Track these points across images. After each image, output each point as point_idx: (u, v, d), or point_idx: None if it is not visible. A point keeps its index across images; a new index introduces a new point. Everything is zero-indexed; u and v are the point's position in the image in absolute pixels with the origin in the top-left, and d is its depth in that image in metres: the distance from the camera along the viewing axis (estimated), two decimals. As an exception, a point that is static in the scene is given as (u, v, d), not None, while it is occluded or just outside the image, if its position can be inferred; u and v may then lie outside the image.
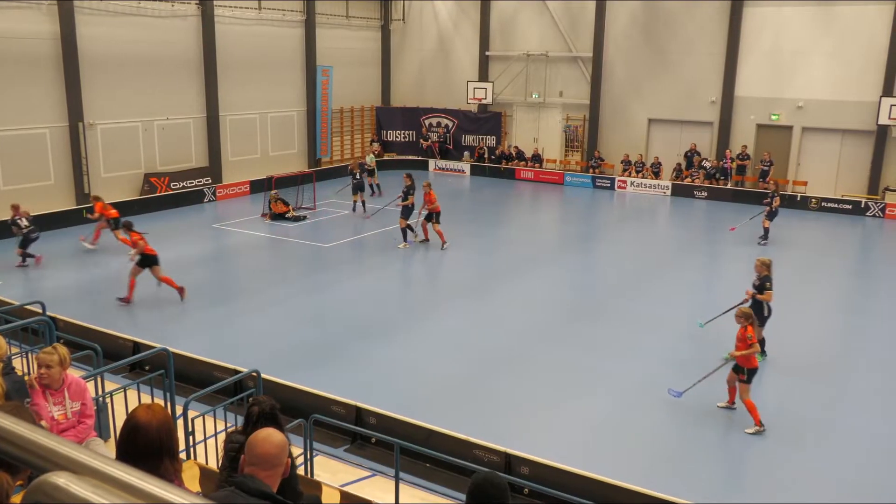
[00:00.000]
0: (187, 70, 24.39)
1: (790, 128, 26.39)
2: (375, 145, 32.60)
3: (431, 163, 32.26)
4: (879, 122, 24.32)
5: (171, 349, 8.37)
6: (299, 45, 28.72)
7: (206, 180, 25.05)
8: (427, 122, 33.12)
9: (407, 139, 33.14)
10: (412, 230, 18.84)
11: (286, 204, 21.85)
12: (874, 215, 24.22)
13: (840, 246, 21.14)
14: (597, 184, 28.55)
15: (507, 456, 8.31)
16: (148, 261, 14.11)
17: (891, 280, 17.38)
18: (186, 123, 24.66)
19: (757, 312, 11.10)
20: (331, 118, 30.30)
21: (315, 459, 7.54)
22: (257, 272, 17.33)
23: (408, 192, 18.67)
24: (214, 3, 24.76)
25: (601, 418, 10.12)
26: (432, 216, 18.54)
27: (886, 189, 24.94)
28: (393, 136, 33.27)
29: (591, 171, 29.26)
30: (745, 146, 26.75)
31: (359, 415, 9.29)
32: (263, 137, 27.78)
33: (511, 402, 10.56)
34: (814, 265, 18.44)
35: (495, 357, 12.11)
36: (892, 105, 23.88)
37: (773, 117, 26.54)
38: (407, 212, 18.53)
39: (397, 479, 7.06)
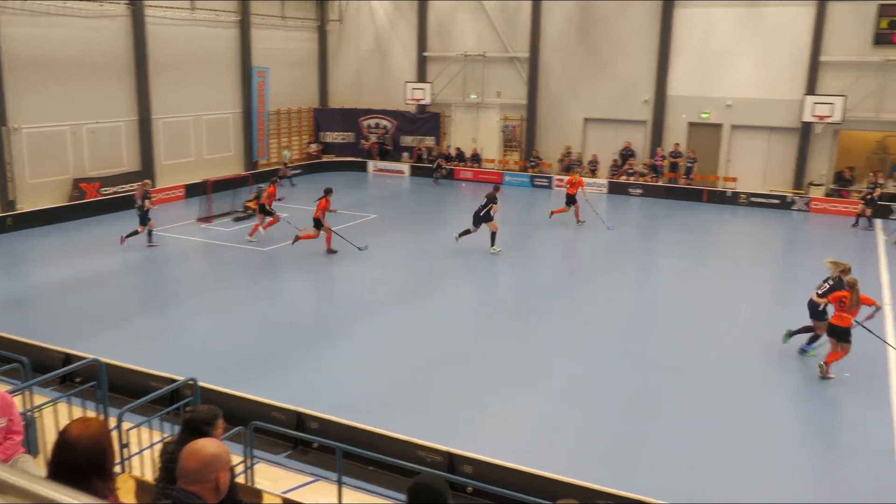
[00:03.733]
0: (117, 72, 23.74)
1: (720, 126, 27.18)
2: (313, 146, 32.35)
3: (371, 164, 32.15)
4: (803, 120, 25.25)
5: (104, 359, 8.15)
6: (234, 45, 28.26)
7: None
8: (366, 124, 32.98)
9: (346, 140, 32.93)
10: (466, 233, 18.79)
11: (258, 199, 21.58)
12: (800, 209, 25.13)
13: (768, 239, 21.83)
14: (535, 183, 28.90)
15: (451, 455, 8.35)
16: None
17: (815, 271, 18.03)
18: (117, 127, 24.00)
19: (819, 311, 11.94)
20: (267, 120, 29.91)
21: (256, 467, 7.45)
22: (194, 278, 17.00)
23: (491, 200, 18.50)
24: (145, 3, 24.16)
25: (543, 415, 10.26)
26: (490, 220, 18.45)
27: (810, 184, 25.92)
28: (332, 137, 33.01)
29: (529, 170, 29.60)
30: (678, 144, 27.44)
31: (300, 420, 9.21)
32: (198, 140, 27.24)
33: (454, 401, 10.61)
34: (744, 258, 19.02)
35: (437, 357, 12.15)
36: (815, 103, 24.82)
37: (704, 116, 27.28)
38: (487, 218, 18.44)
39: (340, 484, 7.03)
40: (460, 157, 31.04)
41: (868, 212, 22.70)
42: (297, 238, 18.61)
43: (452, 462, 8.32)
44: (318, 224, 18.27)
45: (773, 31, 25.76)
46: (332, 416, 9.14)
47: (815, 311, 12.08)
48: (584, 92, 29.03)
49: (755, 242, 21.15)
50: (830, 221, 23.82)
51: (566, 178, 23.48)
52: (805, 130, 25.73)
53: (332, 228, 18.52)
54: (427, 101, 31.31)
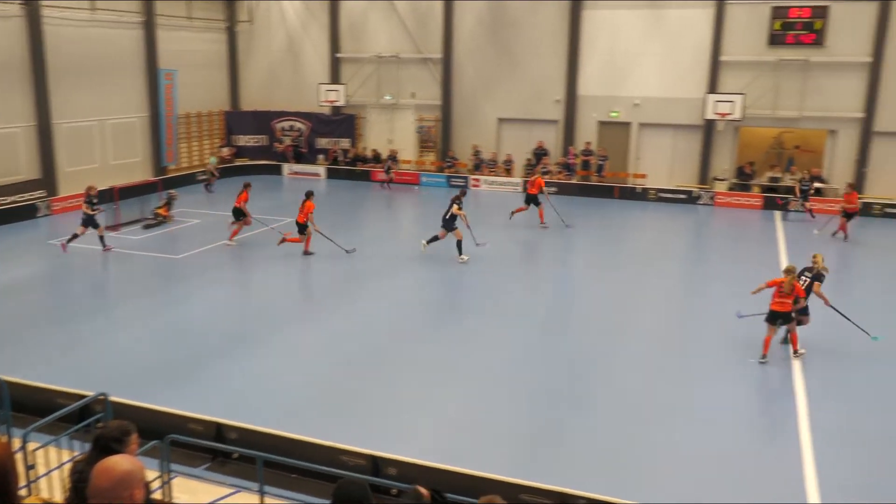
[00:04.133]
0: (11, 75, 22.58)
1: (628, 124, 28.01)
2: (226, 150, 31.63)
3: (286, 167, 31.68)
4: (706, 117, 26.29)
5: (5, 377, 7.76)
6: (139, 47, 27.33)
7: (40, 193, 23.33)
8: (279, 126, 32.47)
9: (259, 143, 32.32)
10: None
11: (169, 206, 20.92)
12: (705, 203, 26.16)
13: (678, 233, 22.62)
14: (451, 183, 29.07)
15: (374, 458, 8.32)
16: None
17: (725, 263, 18.83)
18: (13, 133, 22.85)
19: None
20: (176, 124, 29.06)
21: (173, 482, 7.24)
22: (103, 289, 16.37)
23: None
24: (41, 2, 23.08)
25: (465, 412, 10.34)
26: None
27: (714, 179, 27.02)
28: (245, 140, 32.35)
29: (445, 170, 29.77)
30: (589, 142, 28.12)
31: (219, 431, 9.00)
32: (103, 146, 26.22)
33: (376, 404, 10.58)
34: (657, 252, 19.66)
35: (357, 360, 12.08)
36: (716, 101, 25.88)
37: (613, 115, 28.06)
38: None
39: (262, 493, 6.91)
40: (377, 158, 30.95)
41: (805, 205, 23.79)
42: (282, 240, 18.56)
43: (376, 465, 8.29)
44: (303, 228, 18.25)
45: (675, 33, 26.72)
46: (252, 425, 8.97)
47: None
48: (498, 92, 29.41)
49: (666, 236, 21.87)
50: (734, 214, 24.87)
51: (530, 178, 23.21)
52: (708, 128, 26.80)
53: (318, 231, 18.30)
54: (341, 102, 31.08)
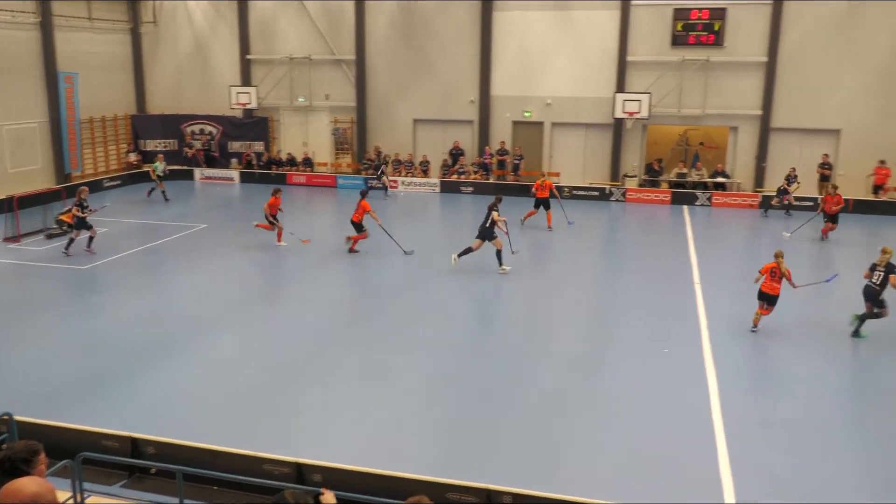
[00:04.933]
0: None
1: (541, 123, 28.53)
2: (132, 156, 30.60)
3: (197, 172, 30.85)
4: (616, 116, 27.03)
5: None
6: (36, 49, 26.11)
7: (-69, 204, 22.02)
8: (189, 130, 31.61)
9: (168, 148, 31.36)
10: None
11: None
12: (617, 200, 26.90)
13: (593, 228, 23.14)
14: (369, 185, 28.92)
15: (298, 466, 8.21)
16: None
17: (640, 258, 19.41)
18: None
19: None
20: (79, 129, 27.90)
21: (87, 501, 6.97)
22: (4, 304, 15.55)
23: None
24: (-75, 2, 21.80)
25: (389, 414, 10.32)
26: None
27: (625, 175, 27.83)
28: (153, 145, 31.33)
29: (362, 172, 29.62)
30: (504, 142, 28.50)
31: (135, 446, 8.70)
32: (0, 153, 24.96)
33: (299, 410, 10.45)
34: (574, 247, 20.09)
35: (279, 366, 11.90)
36: (624, 100, 26.64)
37: (526, 114, 28.53)
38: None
39: (183, 508, 6.73)
40: (292, 161, 30.52)
41: (778, 201, 24.29)
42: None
43: (301, 472, 8.18)
44: (360, 227, 18.64)
45: (584, 34, 27.38)
46: (170, 439, 8.71)
47: (874, 298, 13.19)
48: (413, 93, 29.46)
49: (582, 232, 22.34)
50: (645, 209, 25.65)
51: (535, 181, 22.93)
52: (617, 126, 27.57)
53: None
54: (253, 105, 30.50)
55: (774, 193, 24.61)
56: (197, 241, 20.10)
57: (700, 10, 26.27)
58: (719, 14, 26.14)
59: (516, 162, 28.19)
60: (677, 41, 26.63)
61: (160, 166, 25.94)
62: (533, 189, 22.72)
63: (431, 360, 12.26)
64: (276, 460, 8.28)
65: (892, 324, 13.64)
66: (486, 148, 28.61)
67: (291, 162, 30.52)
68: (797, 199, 24.64)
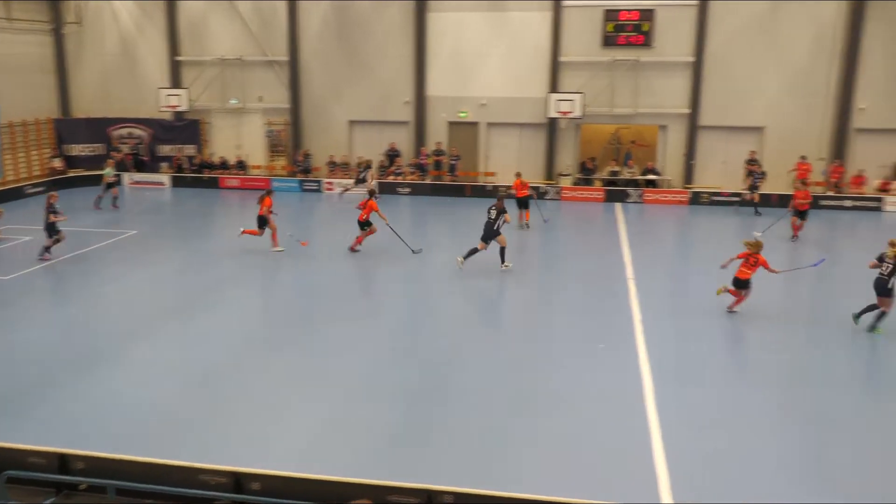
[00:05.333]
0: None
1: (477, 124, 28.72)
2: (57, 161, 29.57)
3: (126, 176, 29.99)
4: (549, 116, 27.40)
5: None
6: (-51, 51, 25.01)
7: None
8: (117, 134, 30.71)
9: (95, 153, 30.38)
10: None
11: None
12: (552, 198, 27.26)
13: (530, 228, 23.40)
14: (304, 187, 28.65)
15: (236, 475, 8.05)
16: None
17: (576, 256, 19.68)
18: None
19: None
20: (-1, 133, 26.84)
21: (13, 521, 6.69)
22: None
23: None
24: None
25: (327, 418, 10.22)
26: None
27: (560, 174, 28.23)
28: (78, 150, 30.33)
29: (297, 175, 29.29)
30: (440, 143, 28.58)
31: (63, 462, 8.39)
32: (-88, 159, 23.80)
33: (234, 417, 10.25)
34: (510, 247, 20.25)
35: (211, 373, 11.65)
36: (558, 100, 27.03)
37: (462, 115, 28.67)
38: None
39: (115, 524, 6.52)
40: (224, 165, 29.97)
41: (751, 196, 24.84)
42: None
43: (238, 481, 8.02)
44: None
45: (517, 35, 27.67)
46: (101, 453, 8.43)
47: (884, 289, 13.29)
48: (348, 94, 29.27)
49: (518, 231, 22.55)
50: (579, 207, 26.06)
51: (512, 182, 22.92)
52: (552, 126, 27.95)
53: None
54: (184, 107, 29.82)
55: (746, 190, 25.27)
56: (126, 247, 19.55)
57: (629, 11, 26.84)
58: (648, 15, 26.76)
59: (453, 162, 28.30)
60: (608, 42, 27.14)
61: (111, 171, 25.11)
62: (512, 189, 22.83)
63: (368, 361, 12.18)
64: (212, 470, 8.09)
65: (823, 312, 14.18)
66: (422, 149, 28.64)
67: (224, 165, 29.97)
68: (722, 194, 25.40)
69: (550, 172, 28.37)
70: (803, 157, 26.05)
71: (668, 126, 27.60)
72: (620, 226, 23.03)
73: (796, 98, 26.44)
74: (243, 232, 19.00)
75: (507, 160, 28.69)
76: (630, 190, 26.89)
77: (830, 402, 10.87)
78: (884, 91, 25.98)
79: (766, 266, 14.05)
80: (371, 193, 19.25)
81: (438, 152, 28.45)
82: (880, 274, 13.41)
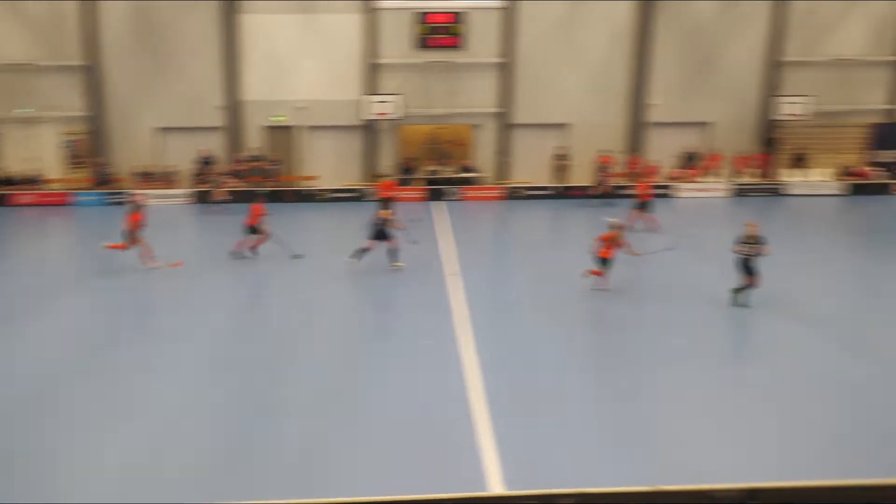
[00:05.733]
0: None
1: (295, 127, 28.27)
2: None
3: None
4: (367, 118, 27.51)
5: None
6: None
7: None
8: None
9: None
10: None
11: None
12: (373, 200, 27.31)
13: (351, 230, 23.33)
14: (108, 201, 26.84)
15: (39, 513, 7.42)
16: None
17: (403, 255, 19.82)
18: None
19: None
20: None
21: None
22: None
23: None
24: None
25: (148, 443, 9.64)
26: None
27: (380, 176, 28.40)
28: None
29: (101, 187, 27.39)
30: (257, 147, 27.85)
31: None
32: None
33: (46, 449, 9.41)
34: (334, 250, 20.10)
35: (12, 404, 10.63)
36: (374, 102, 27.20)
37: (279, 119, 28.11)
38: None
39: None
40: (11, 181, 27.45)
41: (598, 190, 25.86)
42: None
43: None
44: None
45: (331, 37, 27.54)
46: None
47: (746, 267, 14.36)
48: (156, 100, 27.80)
49: (340, 234, 22.42)
50: (401, 207, 26.22)
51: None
52: (370, 127, 28.07)
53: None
54: (-35, 118, 27.01)
55: (595, 184, 26.66)
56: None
57: (441, 14, 27.51)
58: (459, 18, 27.54)
59: (271, 168, 27.65)
60: (421, 44, 27.68)
61: None
62: (378, 190, 22.69)
63: (185, 378, 11.62)
64: (10, 511, 7.42)
65: (636, 292, 15.21)
66: (239, 154, 27.76)
67: (10, 181, 27.40)
68: (537, 188, 26.66)
69: (370, 174, 28.48)
70: (606, 151, 27.91)
71: (482, 125, 28.59)
72: (442, 223, 23.54)
73: (597, 95, 28.31)
74: (108, 246, 17.86)
75: (327, 163, 28.51)
76: (449, 188, 27.57)
77: (639, 379, 11.70)
78: (673, 88, 28.42)
79: (626, 247, 15.58)
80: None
81: (256, 157, 27.70)
82: (742, 254, 14.56)
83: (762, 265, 14.62)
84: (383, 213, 17.74)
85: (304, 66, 27.72)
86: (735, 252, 14.67)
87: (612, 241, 15.54)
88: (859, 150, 29.40)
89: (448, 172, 28.38)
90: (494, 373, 11.77)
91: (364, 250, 17.59)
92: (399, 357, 12.46)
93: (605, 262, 15.56)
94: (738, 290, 14.65)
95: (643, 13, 27.68)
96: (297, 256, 18.73)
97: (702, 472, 8.16)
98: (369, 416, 10.32)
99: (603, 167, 26.91)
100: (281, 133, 28.31)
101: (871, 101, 29.23)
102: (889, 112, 29.31)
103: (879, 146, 29.13)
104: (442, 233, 22.09)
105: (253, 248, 18.78)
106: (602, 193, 26.41)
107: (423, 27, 27.59)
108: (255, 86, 27.85)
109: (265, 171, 27.52)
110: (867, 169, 28.85)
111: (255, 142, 28.07)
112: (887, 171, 28.82)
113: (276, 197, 26.93)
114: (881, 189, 28.26)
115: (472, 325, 13.83)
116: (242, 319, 14.95)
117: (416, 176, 28.40)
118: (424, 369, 11.93)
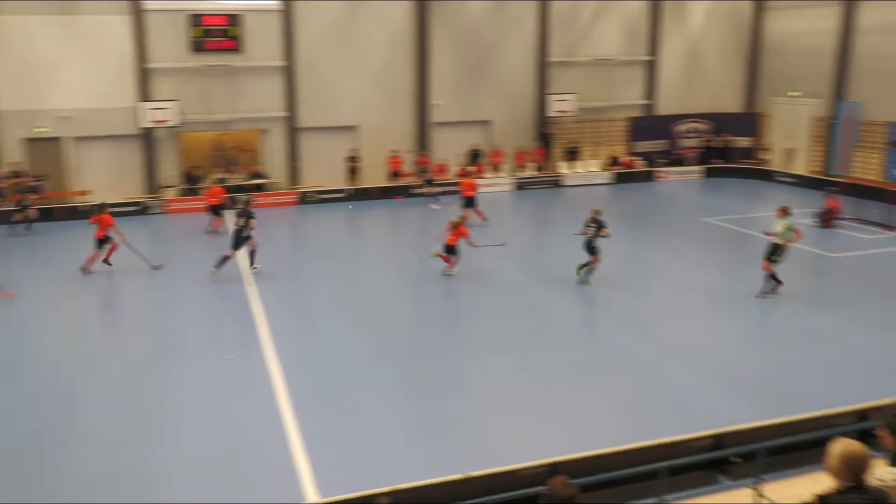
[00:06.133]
0: None
1: (61, 139, 25.94)
2: None
3: None
4: (143, 126, 25.91)
5: None
6: None
7: None
8: None
9: None
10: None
11: None
12: (157, 212, 25.85)
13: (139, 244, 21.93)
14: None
15: None
16: None
17: (194, 268, 18.89)
18: None
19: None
20: None
21: None
22: None
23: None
24: None
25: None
26: None
27: (163, 186, 26.90)
28: None
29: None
30: (17, 163, 25.22)
31: None
32: None
33: None
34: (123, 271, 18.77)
35: None
36: (150, 109, 25.66)
37: (41, 130, 25.65)
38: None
39: None
40: None
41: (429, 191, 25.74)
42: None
43: None
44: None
45: (96, 41, 25.55)
46: None
47: (591, 247, 16.30)
48: None
49: (123, 251, 20.99)
50: (189, 218, 24.98)
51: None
52: (148, 136, 26.44)
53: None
54: None
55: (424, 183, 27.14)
56: None
57: (215, 15, 26.49)
58: (235, 20, 26.68)
59: (36, 184, 25.06)
60: (197, 47, 26.48)
61: None
62: (206, 196, 21.15)
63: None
64: None
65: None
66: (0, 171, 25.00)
67: None
68: (330, 191, 26.58)
69: (153, 185, 26.86)
70: (394, 152, 28.42)
71: (269, 129, 27.96)
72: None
73: (382, 97, 28.70)
74: None
75: (103, 176, 26.42)
76: (240, 196, 26.65)
77: (445, 370, 12.08)
78: (453, 88, 29.50)
79: (466, 237, 17.04)
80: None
81: (17, 174, 25.04)
82: (587, 235, 16.42)
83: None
84: (252, 222, 17.66)
85: (68, 72, 25.47)
86: (581, 234, 16.56)
87: (456, 231, 16.89)
88: (623, 141, 32.31)
89: (237, 180, 27.44)
90: (300, 380, 11.67)
91: (226, 259, 17.46)
92: (202, 374, 11.95)
93: (449, 248, 17.00)
94: (581, 266, 16.64)
95: (418, 14, 28.43)
96: (156, 267, 18.33)
97: (508, 454, 8.59)
98: (174, 441, 9.81)
99: (421, 170, 27.72)
100: (46, 146, 25.84)
101: (629, 97, 32.19)
102: (645, 106, 32.44)
103: (639, 137, 32.20)
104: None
105: (106, 260, 18.02)
106: (430, 193, 27.07)
107: (197, 29, 26.42)
108: (12, 95, 25.17)
109: (29, 188, 24.91)
110: (631, 159, 31.77)
111: (14, 156, 25.38)
112: (646, 160, 31.92)
113: (46, 215, 24.48)
114: (646, 177, 31.27)
115: (274, 334, 13.59)
116: (29, 343, 13.55)
117: (203, 185, 27.17)
118: (229, 384, 11.56)
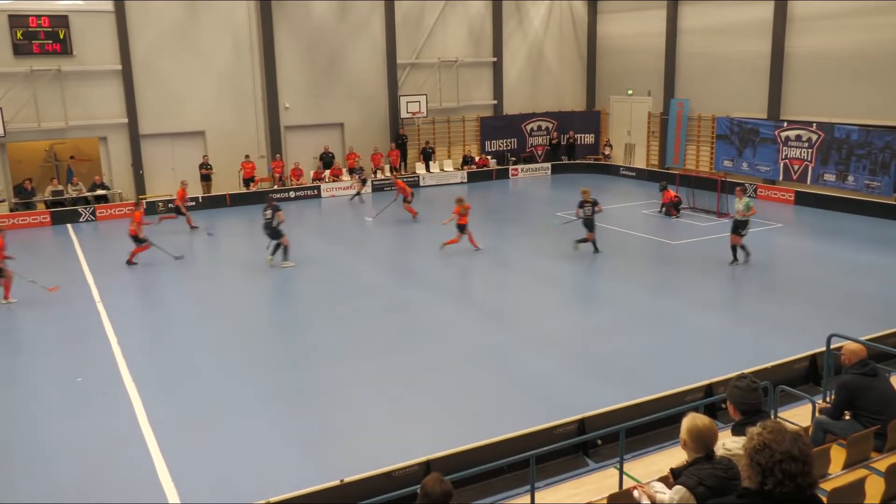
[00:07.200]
0: None
1: None
2: None
3: None
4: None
5: None
6: None
7: None
8: None
9: None
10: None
11: None
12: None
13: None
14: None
15: None
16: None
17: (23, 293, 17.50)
18: None
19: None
20: None
21: None
22: None
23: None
24: None
25: None
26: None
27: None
28: None
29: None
30: None
31: None
32: None
33: None
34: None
35: None
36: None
37: None
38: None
39: None
40: None
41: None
42: None
43: None
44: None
45: None
46: None
47: (589, 224, 18.33)
48: None
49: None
50: (24, 235, 23.06)
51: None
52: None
53: None
54: None
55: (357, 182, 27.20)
56: None
57: (39, 17, 24.63)
58: (61, 22, 24.92)
59: None
60: (20, 50, 24.53)
61: None
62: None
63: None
64: None
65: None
66: None
67: None
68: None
69: (-22, 200, 24.67)
70: (247, 157, 27.62)
71: (109, 137, 26.36)
72: (76, 248, 21.31)
73: (229, 100, 27.77)
74: None
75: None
76: (81, 209, 25.03)
77: (313, 377, 11.89)
78: (304, 90, 29.02)
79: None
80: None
81: None
82: (585, 215, 18.27)
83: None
84: (280, 215, 18.18)
85: None
86: (577, 215, 18.53)
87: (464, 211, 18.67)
88: (476, 141, 33.04)
89: (76, 192, 25.69)
90: (161, 398, 11.17)
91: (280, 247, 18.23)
92: (53, 400, 11.12)
93: (461, 227, 18.63)
94: (579, 242, 18.50)
95: (260, 15, 27.72)
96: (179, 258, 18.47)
97: (387, 456, 8.57)
98: (34, 473, 9.07)
99: (353, 170, 28.31)
100: None
101: (478, 97, 32.95)
102: (494, 106, 33.34)
103: (490, 137, 33.04)
104: (74, 260, 19.98)
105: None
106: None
107: (20, 31, 24.45)
108: None
109: None
110: (484, 158, 32.55)
111: None
112: (498, 158, 32.82)
113: None
114: (501, 174, 32.18)
115: (126, 353, 12.88)
116: None
117: (38, 199, 25.24)
118: (85, 410, 10.83)
